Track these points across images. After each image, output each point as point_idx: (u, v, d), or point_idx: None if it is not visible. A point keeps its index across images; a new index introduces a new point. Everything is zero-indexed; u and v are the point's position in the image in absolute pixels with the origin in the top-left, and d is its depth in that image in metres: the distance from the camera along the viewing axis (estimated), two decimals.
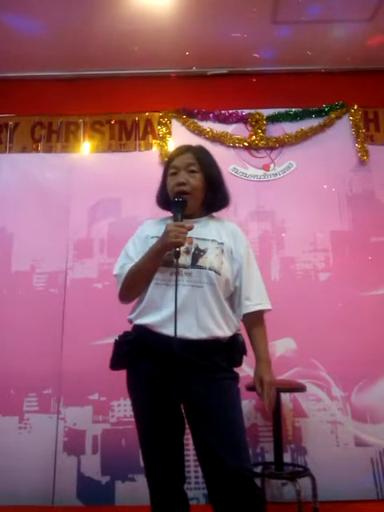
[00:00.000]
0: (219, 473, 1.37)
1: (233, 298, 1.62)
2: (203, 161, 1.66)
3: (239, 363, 1.59)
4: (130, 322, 1.60)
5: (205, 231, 1.61)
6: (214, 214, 1.73)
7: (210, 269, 1.53)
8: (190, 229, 1.51)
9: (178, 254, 1.47)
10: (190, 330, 1.47)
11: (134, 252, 1.62)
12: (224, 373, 1.51)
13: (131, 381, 1.57)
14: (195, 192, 1.61)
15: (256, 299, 1.60)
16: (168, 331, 1.46)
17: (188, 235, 1.51)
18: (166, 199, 1.67)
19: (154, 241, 1.55)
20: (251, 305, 1.59)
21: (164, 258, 1.53)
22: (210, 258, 1.54)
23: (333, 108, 3.29)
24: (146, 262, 1.54)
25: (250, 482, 1.37)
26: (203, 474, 1.45)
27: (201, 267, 1.53)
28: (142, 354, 1.52)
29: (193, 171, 1.62)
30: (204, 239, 1.58)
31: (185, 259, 1.53)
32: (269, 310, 1.63)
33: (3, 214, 3.13)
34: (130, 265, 1.58)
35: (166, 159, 1.74)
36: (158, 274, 1.54)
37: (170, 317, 1.47)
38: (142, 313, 1.55)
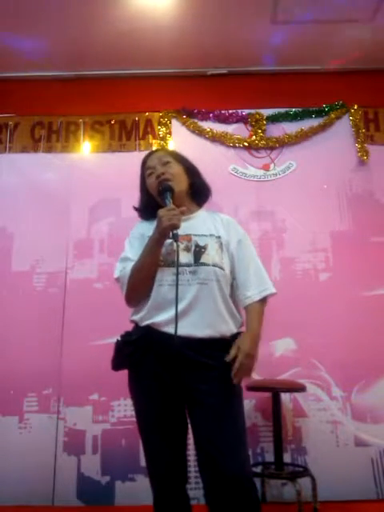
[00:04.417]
0: (219, 474, 1.36)
1: (233, 289, 1.60)
2: (174, 153, 1.71)
3: None
4: (133, 322, 1.58)
5: (201, 226, 1.60)
6: (207, 208, 1.73)
7: (214, 265, 1.53)
8: (182, 213, 1.51)
9: (176, 237, 1.46)
10: (196, 328, 1.46)
11: (132, 252, 1.60)
12: (228, 371, 1.49)
13: (134, 382, 1.56)
14: (177, 177, 1.61)
15: (256, 289, 1.58)
16: (173, 330, 1.45)
17: (186, 233, 1.51)
18: (148, 205, 1.68)
19: None
20: (252, 295, 1.57)
21: (164, 258, 1.52)
22: (211, 254, 1.54)
23: (333, 108, 3.29)
24: (146, 256, 1.52)
25: (249, 485, 1.37)
26: (200, 473, 1.44)
27: (204, 264, 1.52)
28: (146, 354, 1.50)
29: (167, 162, 1.64)
30: (202, 235, 1.57)
31: (187, 257, 1.52)
32: (273, 294, 1.60)
33: (3, 213, 3.13)
34: (130, 265, 1.56)
35: (140, 167, 1.74)
36: (161, 274, 1.52)
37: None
38: (148, 313, 1.52)
